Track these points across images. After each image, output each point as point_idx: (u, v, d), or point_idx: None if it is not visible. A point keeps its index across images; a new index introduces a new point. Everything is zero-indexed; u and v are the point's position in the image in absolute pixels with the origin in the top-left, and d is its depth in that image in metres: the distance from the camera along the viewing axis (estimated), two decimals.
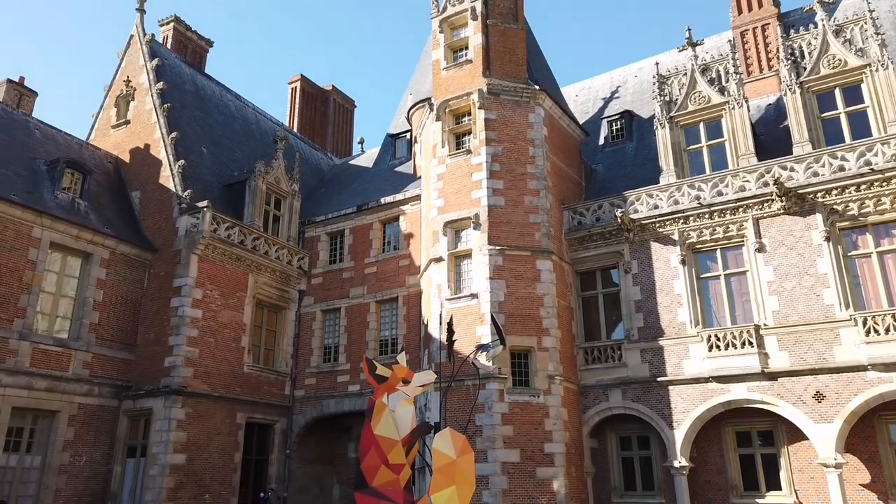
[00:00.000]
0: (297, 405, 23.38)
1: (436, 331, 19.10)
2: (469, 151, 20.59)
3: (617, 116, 25.26)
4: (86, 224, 20.36)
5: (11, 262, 18.25)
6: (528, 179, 20.32)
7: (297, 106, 34.55)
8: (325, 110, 35.78)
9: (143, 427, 19.87)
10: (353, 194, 26.70)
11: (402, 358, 8.41)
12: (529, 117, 21.04)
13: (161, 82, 24.28)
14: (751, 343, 17.40)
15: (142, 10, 25.81)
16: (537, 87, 21.16)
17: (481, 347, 9.12)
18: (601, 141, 25.26)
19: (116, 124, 24.90)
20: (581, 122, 25.34)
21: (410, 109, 25.38)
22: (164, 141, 23.22)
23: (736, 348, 17.58)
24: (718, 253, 19.07)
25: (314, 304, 24.50)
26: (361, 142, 34.74)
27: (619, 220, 19.79)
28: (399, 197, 23.95)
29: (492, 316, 9.41)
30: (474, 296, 18.85)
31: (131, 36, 25.64)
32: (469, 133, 21.03)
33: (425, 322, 20.44)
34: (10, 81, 23.07)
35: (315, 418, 23.08)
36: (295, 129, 33.51)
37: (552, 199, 20.62)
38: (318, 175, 30.98)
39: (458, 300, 19.05)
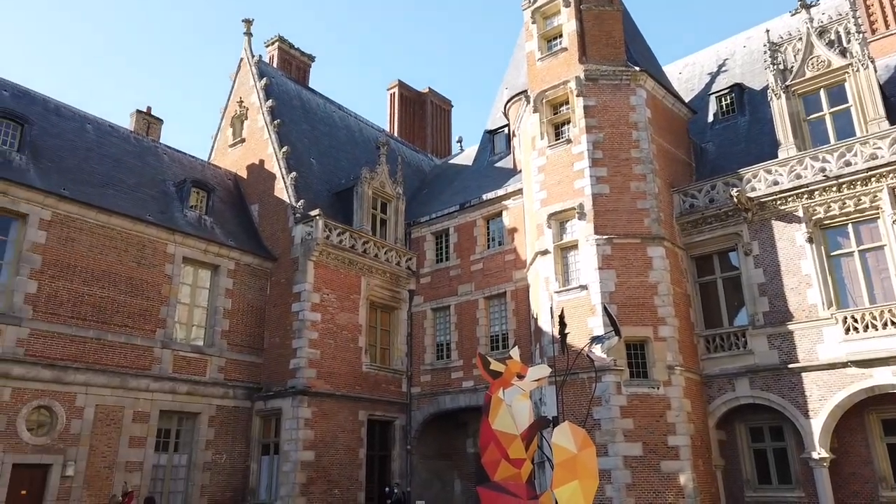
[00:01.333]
0: (415, 402, 23.99)
1: (546, 324, 18.95)
2: (569, 141, 20.24)
3: (726, 91, 23.94)
4: (212, 238, 21.90)
5: (151, 277, 19.95)
6: (633, 164, 19.69)
7: (396, 111, 35.40)
8: (422, 113, 36.40)
9: (274, 426, 21.13)
10: (455, 193, 27.00)
11: (515, 353, 8.44)
12: (631, 100, 20.38)
13: (270, 100, 25.68)
14: (894, 323, 15.96)
15: (249, 34, 27.44)
16: (637, 69, 20.46)
17: (596, 339, 8.96)
18: (710, 118, 24.03)
19: (233, 143, 26.63)
20: (687, 100, 24.23)
21: (507, 104, 25.30)
22: (276, 155, 24.56)
23: (877, 329, 16.19)
24: (850, 228, 17.62)
25: (424, 302, 25.02)
26: (460, 140, 35.06)
27: (735, 199, 18.76)
28: (500, 192, 23.97)
29: (604, 307, 9.21)
30: (584, 287, 18.53)
31: (241, 59, 27.32)
32: (568, 122, 20.68)
33: (535, 316, 20.32)
34: (139, 112, 25.25)
35: (432, 414, 23.59)
36: (395, 134, 34.34)
37: (660, 183, 19.87)
38: (420, 176, 31.58)
39: (566, 292, 18.80)
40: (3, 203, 17.22)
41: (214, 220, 22.80)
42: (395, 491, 21.35)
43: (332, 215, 23.73)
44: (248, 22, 27.53)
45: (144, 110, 25.41)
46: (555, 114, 21.13)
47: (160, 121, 25.78)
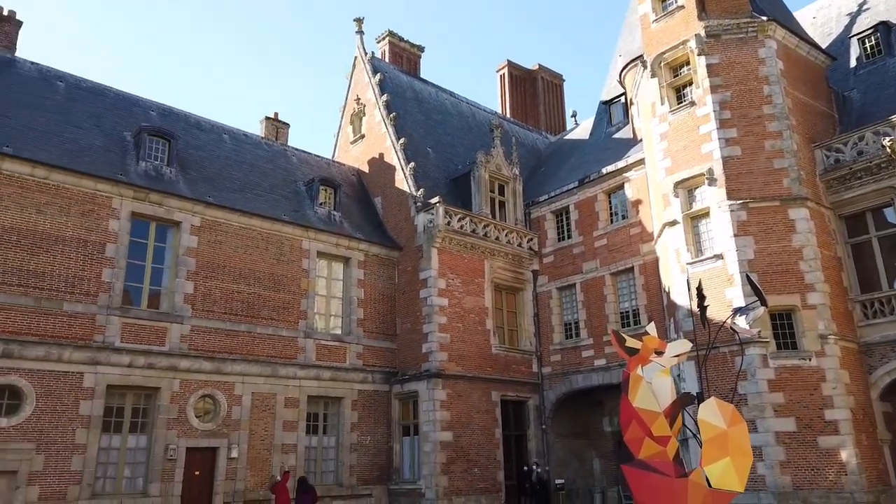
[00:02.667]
0: (546, 382, 23.98)
1: (679, 298, 18.24)
2: (693, 103, 19.22)
3: (869, 31, 21.68)
4: (342, 232, 22.99)
5: (290, 272, 21.30)
6: (767, 122, 18.38)
7: (507, 91, 35.19)
8: (534, 90, 35.92)
9: (412, 408, 21.97)
10: (572, 169, 26.51)
11: (651, 328, 8.21)
12: (759, 53, 18.99)
13: (385, 94, 26.44)
14: None
15: (360, 32, 28.37)
16: (764, 18, 19.01)
17: (739, 310, 8.50)
18: (852, 63, 21.88)
19: (354, 140, 27.73)
20: (824, 45, 22.20)
21: (622, 72, 24.38)
22: (394, 147, 25.30)
23: None
24: None
25: (549, 282, 24.86)
26: (574, 115, 34.29)
27: (888, 150, 17.00)
28: (621, 164, 23.24)
29: (747, 275, 8.70)
30: (718, 257, 17.62)
31: (355, 57, 28.31)
32: (690, 84, 19.63)
33: (666, 290, 19.60)
34: (267, 118, 26.90)
35: (565, 394, 23.49)
36: (508, 115, 34.18)
37: (798, 140, 18.41)
38: (536, 155, 31.27)
39: (700, 263, 17.96)
40: (159, 213, 19.02)
41: (342, 214, 23.89)
42: (536, 470, 21.51)
43: (451, 202, 24.13)
44: (360, 21, 28.43)
45: (272, 116, 27.03)
46: (675, 76, 20.12)
47: (287, 125, 27.31)
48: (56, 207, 17.09)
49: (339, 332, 22.17)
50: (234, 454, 18.48)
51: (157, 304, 18.62)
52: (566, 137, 31.87)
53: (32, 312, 16.16)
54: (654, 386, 7.59)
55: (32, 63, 20.26)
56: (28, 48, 62.37)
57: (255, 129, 27.26)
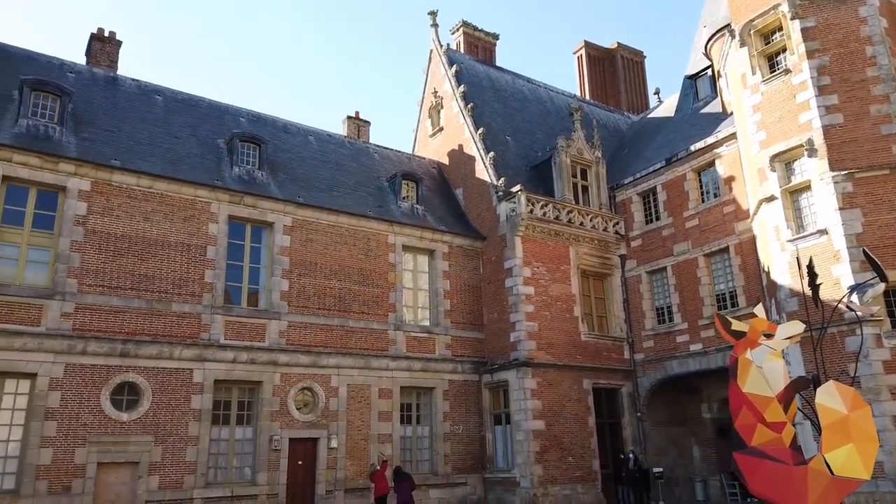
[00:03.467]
0: (639, 369, 23.42)
1: (780, 277, 17.35)
2: (787, 71, 18.16)
3: None
4: (425, 225, 23.26)
5: (377, 266, 21.76)
6: (871, 85, 17.15)
7: (585, 73, 34.45)
8: (613, 70, 34.99)
9: (502, 397, 22.01)
10: (658, 148, 25.65)
11: (759, 311, 7.84)
12: (860, 11, 17.71)
13: (462, 86, 26.47)
14: None
15: (435, 25, 28.50)
16: None
17: (856, 287, 7.95)
18: None
19: (433, 133, 27.95)
20: None
21: (707, 43, 23.32)
22: (473, 138, 25.31)
23: None
24: None
25: (637, 266, 24.22)
26: (657, 92, 33.17)
27: None
28: (710, 140, 22.27)
29: (864, 251, 8.12)
30: (822, 232, 16.62)
31: (430, 50, 28.49)
32: (783, 51, 18.55)
33: (765, 269, 18.68)
34: (349, 117, 27.54)
35: (659, 380, 22.86)
36: (587, 97, 33.48)
37: None
38: (618, 137, 30.48)
39: (802, 239, 17.00)
40: (254, 215, 19.86)
41: (425, 207, 24.16)
42: (635, 457, 21.09)
43: (532, 189, 23.91)
44: (434, 14, 28.55)
45: (353, 115, 27.65)
46: (766, 44, 19.07)
47: (368, 123, 27.87)
48: (161, 214, 18.17)
49: (427, 323, 22.47)
50: (334, 444, 19.14)
51: (256, 301, 19.48)
52: (650, 116, 30.88)
53: (145, 314, 17.29)
54: (765, 370, 7.27)
55: (133, 80, 21.58)
56: (127, 65, 66.53)
57: (338, 128, 27.98)
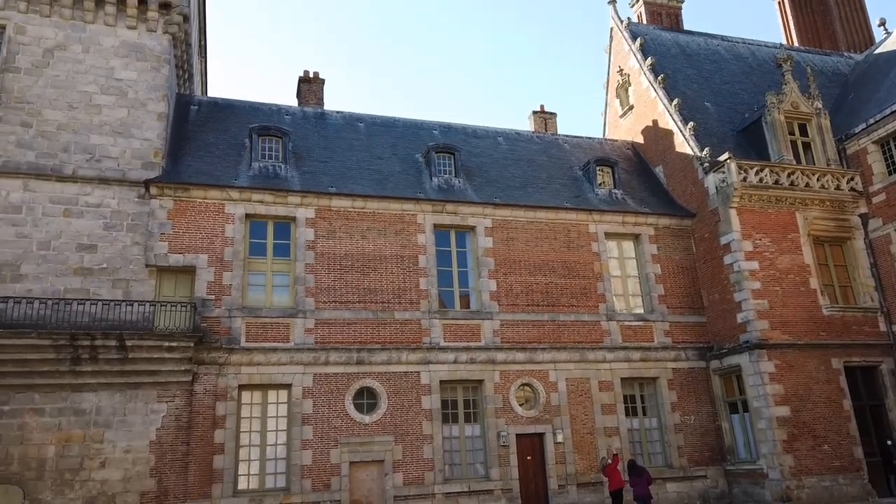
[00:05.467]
0: None
1: None
2: None
3: None
4: (626, 209, 22.35)
5: (581, 257, 21.35)
6: None
7: (789, 17, 30.88)
8: (823, 7, 30.88)
9: (735, 383, 20.34)
10: (894, 86, 22.08)
11: None
12: None
13: (649, 58, 25.12)
14: None
15: (613, 2, 27.40)
16: None
17: None
18: None
19: (623, 113, 26.87)
20: None
21: None
22: (668, 111, 23.86)
23: None
24: None
25: (884, 225, 21.02)
26: (882, 23, 28.65)
27: None
28: None
29: None
30: None
31: (611, 28, 27.47)
32: None
33: None
34: (534, 112, 27.43)
35: None
36: (795, 43, 29.98)
37: None
38: (840, 81, 26.83)
39: None
40: (456, 221, 20.56)
41: (623, 191, 23.25)
42: None
43: (742, 155, 21.93)
44: None
45: (538, 110, 27.54)
46: None
47: (553, 114, 27.60)
48: (375, 231, 19.58)
49: (641, 311, 21.55)
50: (560, 439, 19.08)
51: (468, 304, 20.15)
52: (877, 52, 26.79)
53: (373, 323, 18.71)
54: None
55: (338, 112, 23.59)
56: (331, 99, 73.17)
57: (525, 125, 28.07)
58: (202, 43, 24.99)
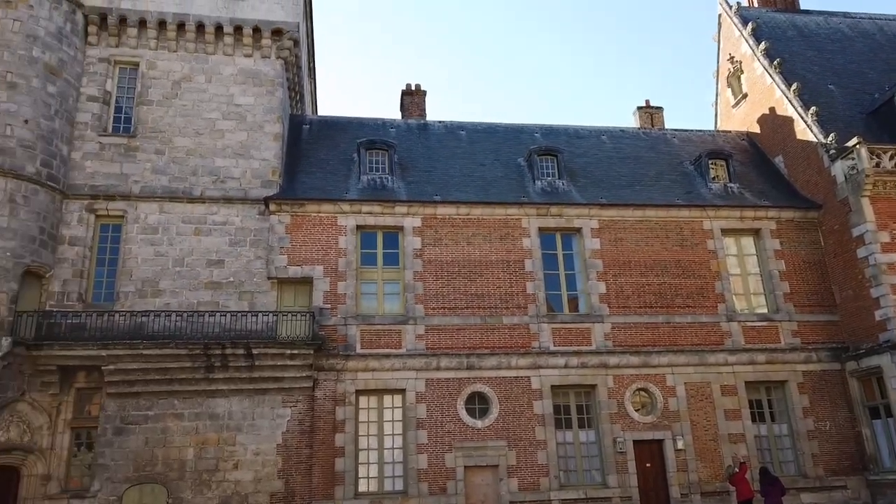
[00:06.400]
0: None
1: None
2: None
3: None
4: (743, 204, 21.18)
5: (695, 256, 20.43)
6: None
7: None
8: None
9: (876, 387, 18.70)
10: None
11: None
12: None
13: (762, 43, 23.75)
14: None
15: None
16: None
17: None
18: None
19: (735, 103, 25.55)
20: None
21: None
22: (786, 97, 22.42)
23: None
24: None
25: None
26: None
27: None
28: None
29: None
30: None
31: (719, 15, 26.24)
32: None
33: None
34: (639, 108, 26.67)
35: None
36: None
37: None
38: None
39: None
40: (561, 224, 20.31)
41: (740, 185, 22.06)
42: None
43: (873, 139, 20.27)
44: None
45: (644, 105, 26.72)
46: None
47: (660, 109, 26.68)
48: (480, 237, 19.71)
49: (764, 310, 20.30)
50: (680, 445, 18.32)
51: (576, 307, 19.82)
52: None
53: (481, 329, 18.83)
54: None
55: (440, 122, 24.02)
56: (432, 110, 74.61)
57: (629, 122, 27.34)
58: (311, 65, 26.26)
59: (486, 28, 77.45)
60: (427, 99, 26.18)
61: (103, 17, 19.56)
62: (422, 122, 24.04)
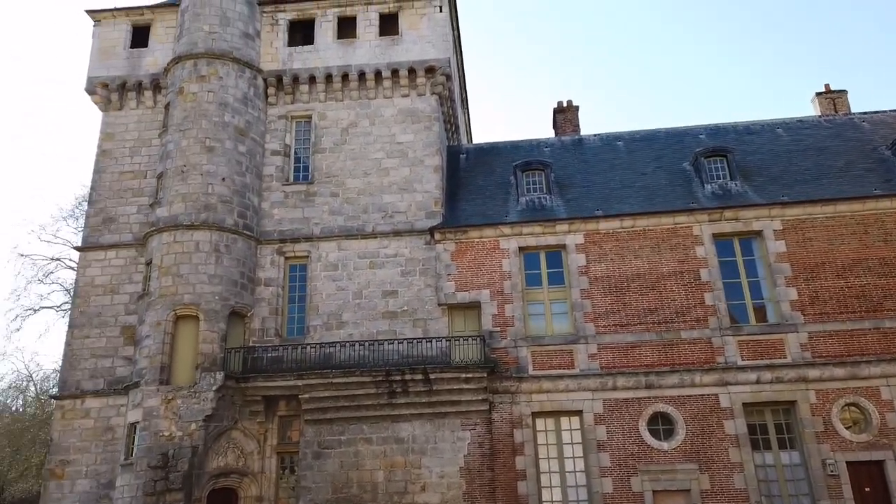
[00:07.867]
0: None
1: None
2: None
3: None
4: None
5: (883, 254, 18.11)
6: None
7: None
8: None
9: None
10: None
11: None
12: None
13: None
14: None
15: None
16: None
17: None
18: None
19: None
20: None
21: None
22: None
23: None
24: None
25: None
26: None
27: None
28: None
29: None
30: None
31: None
32: None
33: None
34: (818, 94, 24.21)
35: None
36: None
37: None
38: None
39: None
40: (737, 228, 18.93)
41: None
42: None
43: None
44: None
45: (823, 90, 24.24)
46: None
47: (843, 92, 24.01)
48: (648, 249, 18.93)
49: None
50: None
51: (764, 316, 18.27)
52: None
53: (657, 345, 17.97)
54: None
55: (594, 135, 23.60)
56: (587, 124, 73.64)
57: (807, 110, 24.94)
58: (463, 96, 27.10)
59: (635, 34, 75.11)
60: (580, 114, 25.84)
61: (279, 78, 21.69)
62: (576, 137, 23.76)
